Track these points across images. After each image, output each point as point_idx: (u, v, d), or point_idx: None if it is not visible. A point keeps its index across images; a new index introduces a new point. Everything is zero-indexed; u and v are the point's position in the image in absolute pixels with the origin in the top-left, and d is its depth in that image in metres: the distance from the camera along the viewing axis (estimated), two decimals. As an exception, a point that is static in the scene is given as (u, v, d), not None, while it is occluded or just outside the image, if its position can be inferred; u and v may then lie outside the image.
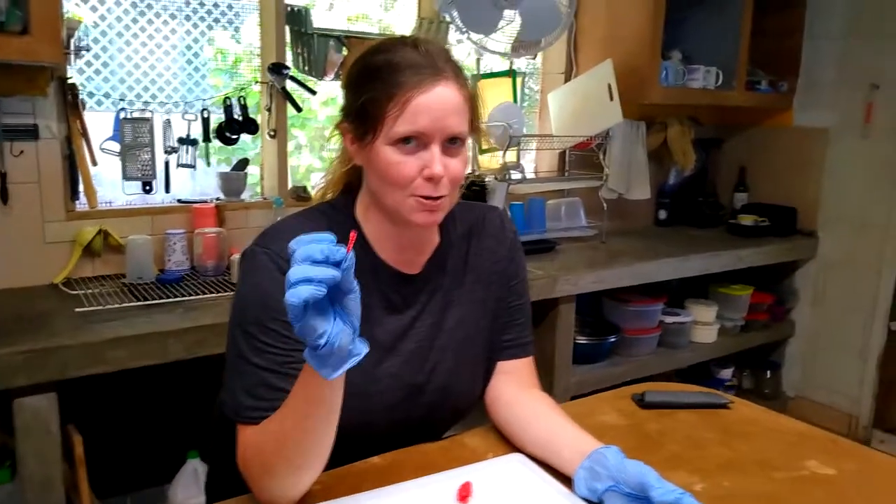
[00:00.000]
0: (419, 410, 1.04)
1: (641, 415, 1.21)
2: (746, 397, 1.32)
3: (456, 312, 1.07)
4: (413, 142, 0.94)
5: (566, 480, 0.95)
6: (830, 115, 2.99)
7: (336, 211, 1.04)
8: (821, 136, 3.02)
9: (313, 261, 0.69)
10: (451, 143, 0.95)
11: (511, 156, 2.59)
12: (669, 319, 2.74)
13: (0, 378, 1.41)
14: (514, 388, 1.11)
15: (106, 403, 1.98)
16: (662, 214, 3.21)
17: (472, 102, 0.99)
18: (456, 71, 0.97)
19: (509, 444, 1.07)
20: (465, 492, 0.91)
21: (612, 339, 2.55)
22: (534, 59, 2.89)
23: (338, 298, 0.73)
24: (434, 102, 0.93)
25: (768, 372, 3.22)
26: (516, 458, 1.01)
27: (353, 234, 0.74)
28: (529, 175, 2.74)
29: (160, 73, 2.15)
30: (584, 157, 2.79)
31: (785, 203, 3.12)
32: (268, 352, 0.91)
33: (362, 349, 0.76)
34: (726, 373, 3.11)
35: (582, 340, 2.47)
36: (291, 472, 0.86)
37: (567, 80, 2.87)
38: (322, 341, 0.71)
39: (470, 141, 1.04)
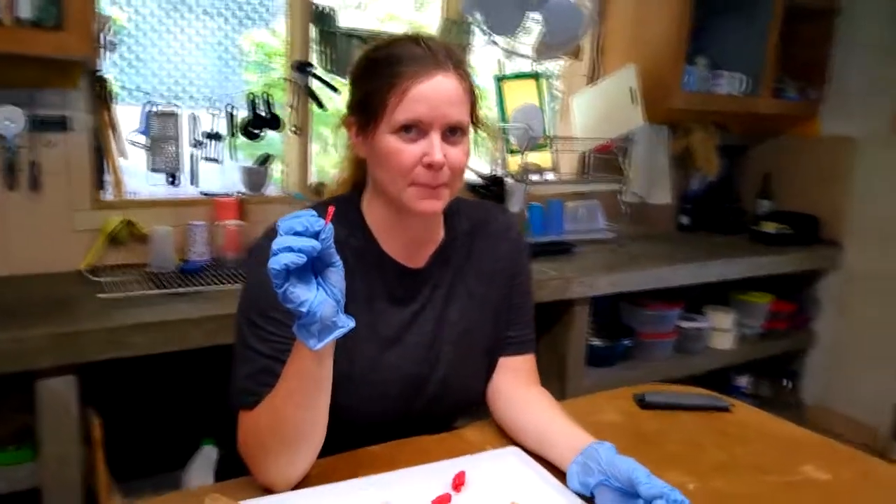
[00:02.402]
0: (420, 402, 1.07)
1: (641, 415, 1.22)
2: (764, 406, 1.32)
3: (458, 307, 1.10)
4: (413, 130, 0.96)
5: (560, 474, 0.96)
6: (858, 125, 2.95)
7: (341, 204, 1.06)
8: (848, 146, 2.98)
9: (295, 232, 0.75)
10: (452, 133, 0.98)
11: (536, 157, 2.61)
12: (686, 324, 2.73)
13: (24, 359, 1.47)
14: (515, 383, 1.13)
15: (125, 388, 2.03)
16: (685, 220, 3.20)
17: (473, 95, 1.02)
18: (457, 64, 1.00)
19: (507, 437, 1.09)
20: (458, 481, 0.93)
21: (627, 343, 2.55)
22: (577, 58, 2.89)
23: (321, 271, 0.78)
24: (432, 91, 0.96)
25: (787, 381, 3.19)
26: (512, 451, 1.03)
27: (331, 209, 0.79)
28: (549, 176, 2.75)
29: (191, 69, 2.21)
30: (604, 161, 2.79)
31: (809, 212, 3.09)
32: (269, 339, 0.95)
33: (347, 323, 0.81)
34: (743, 380, 3.09)
35: (596, 342, 2.48)
36: (285, 451, 0.89)
37: (591, 82, 2.87)
38: (304, 308, 0.76)
39: (484, 138, 1.06)
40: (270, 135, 2.31)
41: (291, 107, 2.30)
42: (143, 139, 2.09)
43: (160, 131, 2.10)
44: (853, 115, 2.96)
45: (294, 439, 0.88)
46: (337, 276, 0.80)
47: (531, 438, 1.03)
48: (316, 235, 0.76)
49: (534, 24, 2.45)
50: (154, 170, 2.11)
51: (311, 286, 0.78)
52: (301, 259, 0.75)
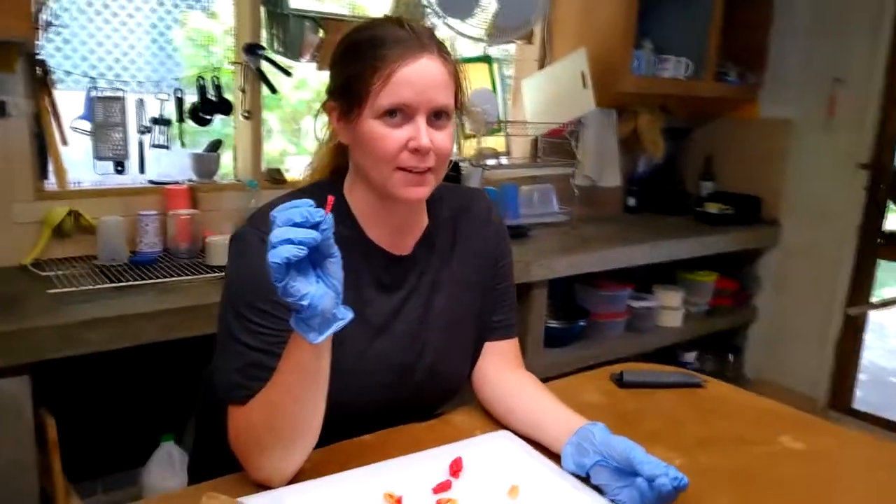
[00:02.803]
0: (409, 390, 1.06)
1: (620, 394, 1.24)
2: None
3: (444, 293, 1.09)
4: (398, 115, 0.94)
5: (551, 456, 0.98)
6: (795, 108, 3.07)
7: (321, 191, 1.03)
8: (785, 128, 3.10)
9: (294, 223, 0.73)
10: (437, 118, 0.96)
11: (490, 142, 2.61)
12: (637, 304, 2.80)
13: (-28, 360, 1.39)
14: (501, 367, 1.13)
15: (78, 386, 1.95)
16: (631, 201, 3.27)
17: (458, 79, 1.00)
18: (441, 47, 0.98)
19: (495, 421, 1.09)
20: (456, 467, 0.93)
21: (582, 323, 2.60)
22: (529, 41, 2.90)
23: (319, 262, 0.76)
24: (417, 75, 0.94)
25: (730, 355, 3.31)
26: (503, 434, 1.03)
27: (330, 199, 0.77)
28: (502, 161, 2.76)
29: (132, 50, 2.11)
30: (556, 145, 2.82)
31: (749, 192, 3.20)
32: (259, 332, 0.92)
33: (347, 314, 0.79)
34: (691, 356, 3.19)
35: (553, 324, 2.52)
36: (281, 446, 0.87)
37: (541, 67, 2.89)
38: (305, 302, 0.74)
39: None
40: (221, 120, 2.24)
41: (242, 90, 2.23)
42: (86, 125, 1.99)
43: (105, 117, 2.01)
44: (790, 98, 3.07)
45: (291, 434, 0.86)
46: (336, 267, 0.77)
47: (522, 422, 1.04)
48: (315, 226, 0.74)
49: (488, 7, 2.44)
50: (99, 157, 2.02)
51: (311, 279, 0.75)
52: (302, 252, 0.73)
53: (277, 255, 0.72)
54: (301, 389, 0.84)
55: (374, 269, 1.03)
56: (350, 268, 0.80)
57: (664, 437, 1.08)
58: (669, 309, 2.91)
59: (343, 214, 1.02)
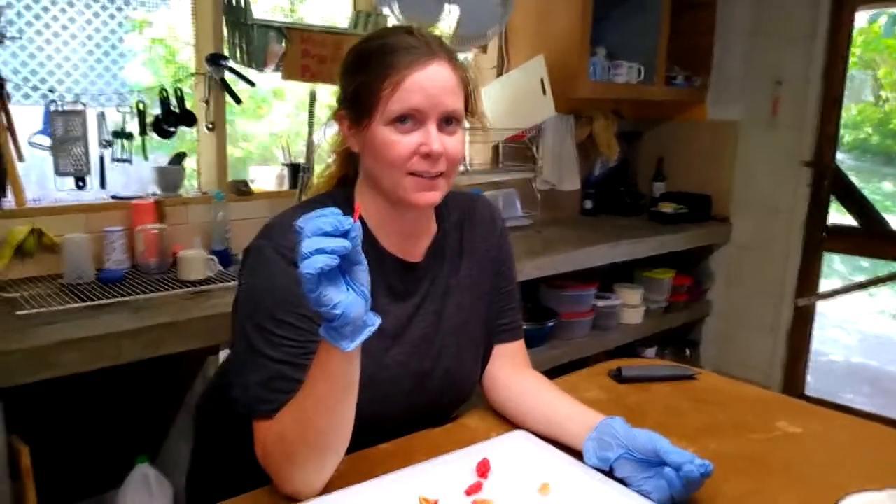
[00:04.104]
0: (428, 396, 1.07)
1: (620, 389, 1.28)
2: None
3: (455, 299, 1.10)
4: (409, 121, 0.95)
5: (569, 452, 1.00)
6: (740, 109, 3.21)
7: (335, 201, 1.03)
8: (732, 129, 3.24)
9: (324, 233, 0.72)
10: (448, 124, 0.98)
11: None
12: (601, 303, 2.86)
13: (-58, 388, 1.32)
14: (511, 370, 1.15)
15: (48, 410, 1.87)
16: (588, 204, 3.34)
17: (468, 85, 1.02)
18: (450, 54, 0.99)
19: (508, 422, 1.11)
20: (483, 468, 0.94)
21: (552, 324, 2.64)
22: (484, 51, 2.94)
23: (347, 270, 0.76)
24: (427, 80, 0.95)
25: (687, 350, 3.42)
26: (520, 434, 1.05)
27: (357, 205, 0.78)
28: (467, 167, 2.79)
29: (75, 65, 2.04)
30: (516, 150, 2.87)
31: (700, 191, 3.32)
32: (283, 344, 0.91)
33: (376, 320, 0.79)
34: (650, 352, 3.28)
35: (525, 326, 2.54)
36: (314, 457, 0.86)
37: (499, 74, 2.94)
38: (338, 311, 0.74)
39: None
40: (184, 131, 2.19)
41: (205, 102, 2.19)
42: (45, 140, 1.92)
43: (65, 131, 1.94)
44: (735, 99, 3.21)
45: (324, 445, 0.86)
46: (364, 274, 0.77)
47: (538, 421, 1.06)
48: (345, 234, 0.74)
49: (448, 16, 2.47)
50: (60, 173, 1.95)
51: (342, 287, 0.75)
52: (335, 261, 0.72)
53: (311, 266, 0.71)
54: (334, 399, 0.83)
55: (388, 277, 1.04)
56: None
57: (669, 428, 1.11)
58: (631, 307, 2.98)
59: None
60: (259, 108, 2.74)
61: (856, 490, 0.86)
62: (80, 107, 1.96)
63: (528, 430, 1.06)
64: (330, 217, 0.73)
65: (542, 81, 2.63)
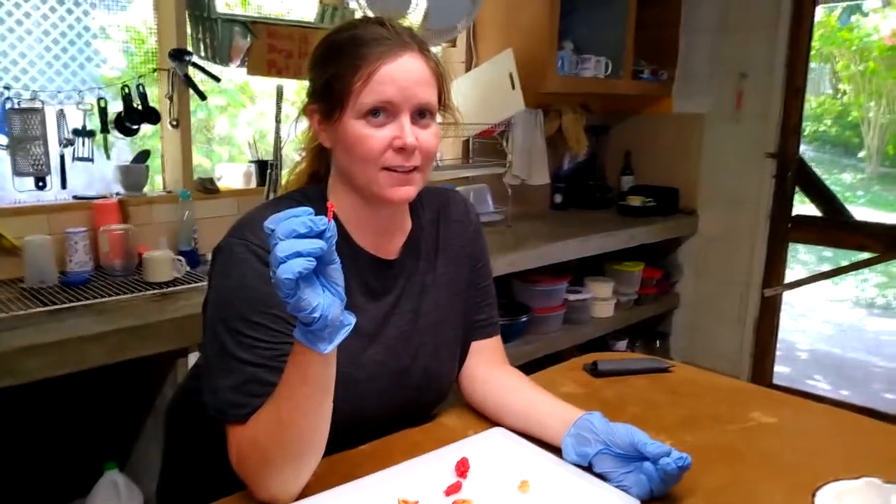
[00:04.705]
0: (406, 395, 1.05)
1: (596, 383, 1.28)
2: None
3: (431, 296, 1.08)
4: (381, 114, 0.93)
5: (548, 448, 0.99)
6: (705, 102, 3.24)
7: (307, 198, 1.01)
8: (697, 122, 3.27)
9: (298, 234, 0.70)
10: (421, 117, 0.96)
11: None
12: (573, 297, 2.87)
13: None
14: (488, 366, 1.14)
15: (11, 417, 1.82)
16: (558, 198, 3.35)
17: (441, 78, 1.00)
18: (422, 46, 0.98)
19: (486, 420, 1.10)
20: (462, 467, 0.93)
21: (524, 319, 2.65)
22: (453, 45, 2.92)
23: (321, 270, 0.74)
24: (400, 72, 0.93)
25: (658, 341, 3.46)
26: (498, 431, 1.04)
27: (330, 204, 0.75)
28: (437, 162, 2.77)
29: (32, 61, 1.97)
30: (486, 145, 2.86)
31: (667, 184, 3.35)
32: (255, 346, 0.88)
33: (351, 319, 0.78)
34: (621, 345, 3.30)
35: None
36: (291, 461, 0.84)
37: (468, 69, 2.92)
38: (317, 314, 0.72)
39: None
40: (147, 129, 2.15)
41: (169, 98, 2.14)
42: (2, 140, 1.85)
43: (23, 130, 1.87)
44: (701, 93, 3.24)
45: (301, 449, 0.84)
46: (338, 273, 0.75)
47: (517, 418, 1.05)
48: (320, 235, 0.71)
49: (416, 9, 2.45)
50: (18, 174, 1.89)
51: (318, 289, 0.73)
52: (312, 264, 0.70)
53: (289, 271, 0.69)
54: (311, 402, 0.81)
55: (363, 275, 1.02)
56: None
57: (647, 421, 1.11)
58: (602, 300, 3.00)
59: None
60: (236, 106, 2.70)
61: (832, 479, 0.87)
62: (37, 104, 1.90)
63: (506, 427, 1.06)
64: (303, 217, 0.71)
65: (510, 76, 2.62)
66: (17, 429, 1.86)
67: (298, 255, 0.69)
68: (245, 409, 0.87)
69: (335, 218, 1.00)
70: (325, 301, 0.73)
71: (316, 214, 0.72)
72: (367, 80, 0.92)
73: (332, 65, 0.95)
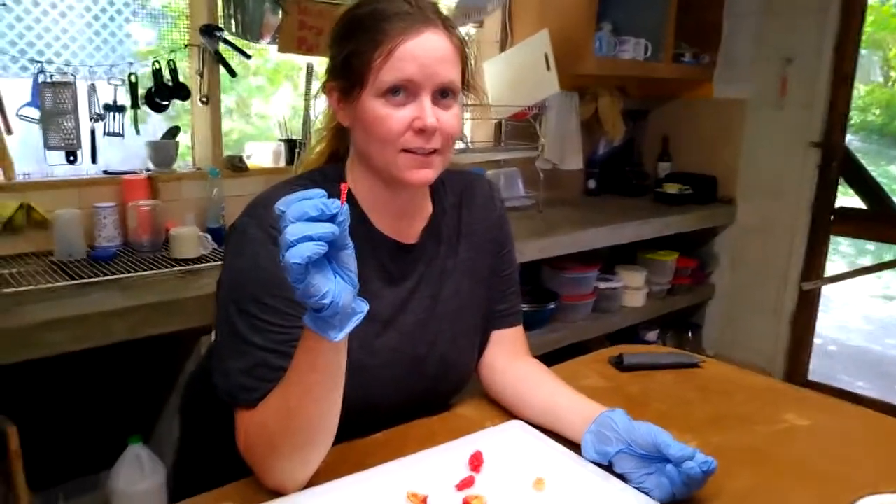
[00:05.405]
0: (423, 383, 1.02)
1: (622, 377, 1.24)
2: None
3: (452, 282, 1.05)
4: (402, 92, 0.89)
5: (567, 444, 0.96)
6: (748, 88, 3.13)
7: (325, 177, 0.98)
8: (739, 108, 3.16)
9: (309, 217, 0.67)
10: (444, 97, 0.91)
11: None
12: (603, 285, 2.82)
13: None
14: (509, 356, 1.10)
15: (36, 389, 1.84)
16: (592, 184, 3.29)
17: (464, 55, 0.96)
18: (446, 21, 0.93)
19: (505, 411, 1.07)
20: (476, 461, 0.90)
21: (552, 306, 2.60)
22: (480, 26, 2.86)
23: (333, 255, 0.70)
24: (422, 49, 0.89)
25: (689, 333, 3.38)
26: (517, 424, 1.01)
27: (343, 186, 0.71)
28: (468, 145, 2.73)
29: (73, 37, 1.97)
30: (518, 128, 2.81)
31: (706, 172, 3.26)
32: (268, 330, 0.86)
33: (363, 307, 0.74)
34: (652, 335, 3.24)
35: (524, 308, 2.50)
36: (299, 449, 0.82)
37: (502, 49, 2.86)
38: (327, 301, 0.68)
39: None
40: (178, 105, 2.14)
41: (199, 74, 2.13)
42: (34, 113, 1.86)
43: (54, 104, 1.88)
44: (743, 78, 3.13)
45: (309, 437, 0.81)
46: (351, 259, 0.72)
47: (536, 411, 1.02)
48: (332, 219, 0.68)
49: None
50: (49, 147, 1.90)
51: (329, 275, 0.69)
52: (323, 248, 0.67)
53: (298, 255, 0.65)
54: (320, 390, 0.79)
55: (381, 260, 0.99)
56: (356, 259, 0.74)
57: (673, 419, 1.07)
58: (633, 289, 2.94)
59: (347, 201, 0.97)
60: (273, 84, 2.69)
61: (869, 492, 0.81)
62: (69, 78, 1.90)
63: (524, 420, 1.02)
64: (315, 200, 0.67)
65: (546, 57, 2.56)
66: (45, 401, 1.89)
67: (309, 239, 0.66)
68: (255, 393, 0.85)
69: (352, 200, 0.98)
70: (336, 287, 0.69)
71: (329, 196, 0.69)
72: (388, 57, 0.88)
73: (352, 41, 0.91)
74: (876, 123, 5.92)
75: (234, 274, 0.90)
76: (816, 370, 3.27)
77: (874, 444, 1.05)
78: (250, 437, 0.85)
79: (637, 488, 0.86)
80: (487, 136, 2.91)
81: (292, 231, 0.66)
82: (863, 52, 3.06)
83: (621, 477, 0.88)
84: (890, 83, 5.69)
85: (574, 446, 0.95)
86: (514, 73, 2.71)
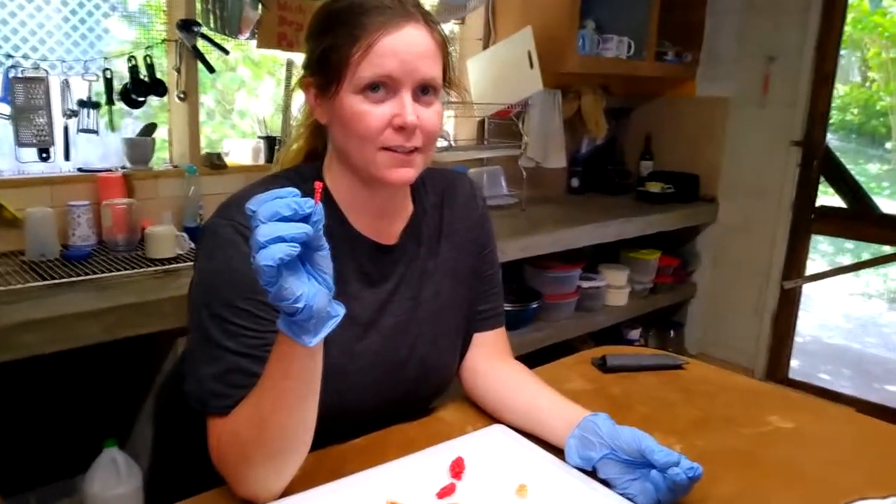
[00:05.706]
0: (403, 387, 1.00)
1: (605, 379, 1.22)
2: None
3: (433, 283, 1.03)
4: (381, 89, 0.87)
5: (551, 449, 0.94)
6: (730, 86, 3.13)
7: (301, 176, 0.96)
8: (721, 106, 3.17)
9: (281, 217, 0.64)
10: (424, 93, 0.89)
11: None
12: (586, 284, 2.81)
13: None
14: (491, 358, 1.08)
15: (9, 392, 1.80)
16: (575, 182, 3.28)
17: (446, 51, 0.93)
18: (427, 16, 0.91)
19: (486, 415, 1.05)
20: (457, 467, 0.88)
21: (535, 305, 2.59)
22: (463, 23, 2.83)
23: (308, 257, 0.67)
24: (402, 44, 0.86)
25: (672, 331, 3.39)
26: (498, 429, 0.99)
27: (318, 185, 0.68)
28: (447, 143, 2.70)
29: (50, 31, 1.92)
30: (501, 126, 2.79)
31: (688, 170, 3.26)
32: (241, 335, 0.83)
33: (340, 310, 0.72)
34: (634, 333, 3.24)
35: (507, 307, 2.48)
36: (273, 458, 0.79)
37: (486, 46, 2.84)
38: (300, 304, 0.66)
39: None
40: (154, 102, 2.10)
41: (177, 70, 2.09)
42: (5, 109, 1.81)
43: (26, 100, 1.83)
44: (725, 76, 3.13)
45: (283, 446, 0.78)
46: (326, 260, 0.69)
47: (518, 415, 1.00)
48: (305, 219, 0.65)
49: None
50: (21, 144, 1.85)
51: (303, 277, 0.66)
52: (295, 250, 0.64)
53: (270, 257, 0.63)
54: (295, 397, 0.76)
55: (359, 261, 0.96)
56: (334, 260, 0.72)
57: (657, 422, 1.06)
58: (616, 288, 2.93)
59: (323, 202, 0.94)
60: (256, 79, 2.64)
61: (857, 497, 0.80)
62: (42, 73, 1.85)
63: (507, 424, 1.00)
64: (287, 199, 0.64)
65: (529, 54, 2.54)
66: (18, 404, 1.84)
67: (281, 240, 0.63)
68: (227, 400, 0.82)
69: (330, 200, 0.95)
70: (310, 290, 0.66)
71: (304, 196, 0.66)
72: (366, 52, 0.85)
73: (330, 35, 0.88)
74: (854, 123, 5.97)
75: (206, 276, 0.87)
76: (797, 368, 3.28)
77: (860, 447, 1.04)
78: (222, 445, 0.82)
79: (621, 494, 0.84)
80: (470, 134, 2.89)
81: (263, 232, 0.63)
82: (842, 51, 3.08)
83: (605, 482, 0.86)
84: (868, 83, 5.74)
85: (557, 451, 0.93)
86: (497, 70, 2.69)
